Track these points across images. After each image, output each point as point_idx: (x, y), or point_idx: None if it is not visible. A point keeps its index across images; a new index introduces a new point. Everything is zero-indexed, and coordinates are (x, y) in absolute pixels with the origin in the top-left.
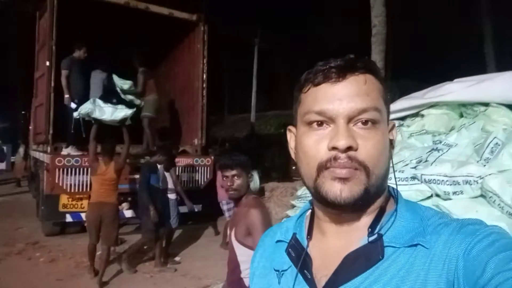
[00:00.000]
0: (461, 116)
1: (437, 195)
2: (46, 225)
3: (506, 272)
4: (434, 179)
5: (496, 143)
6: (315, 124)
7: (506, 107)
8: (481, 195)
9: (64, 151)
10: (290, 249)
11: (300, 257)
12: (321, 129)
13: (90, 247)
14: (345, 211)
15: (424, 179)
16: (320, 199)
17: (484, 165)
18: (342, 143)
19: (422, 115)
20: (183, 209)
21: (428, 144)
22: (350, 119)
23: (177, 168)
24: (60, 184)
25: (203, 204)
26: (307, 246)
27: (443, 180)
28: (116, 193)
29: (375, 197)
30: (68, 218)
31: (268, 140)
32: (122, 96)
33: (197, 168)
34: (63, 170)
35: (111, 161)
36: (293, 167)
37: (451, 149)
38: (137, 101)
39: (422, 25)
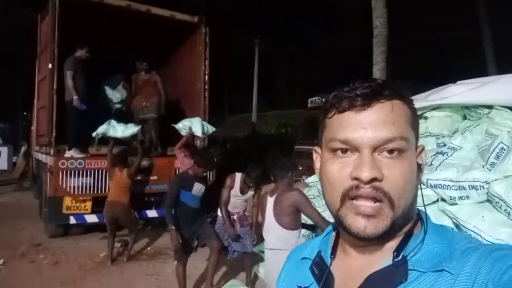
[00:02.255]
0: (465, 118)
1: (443, 200)
2: (50, 227)
3: None
4: (439, 184)
5: (502, 148)
6: (339, 152)
7: (510, 109)
8: (487, 200)
9: (67, 154)
10: (313, 267)
11: (323, 275)
12: (346, 157)
13: (108, 240)
14: (369, 242)
15: (430, 184)
16: (343, 228)
17: (490, 170)
18: (365, 174)
19: (426, 118)
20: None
21: (432, 147)
22: (375, 149)
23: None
24: (64, 186)
25: (206, 204)
26: (330, 264)
27: (448, 185)
28: (129, 195)
29: (401, 227)
30: (72, 220)
31: (269, 140)
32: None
33: None
34: (66, 173)
35: (124, 168)
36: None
37: (455, 152)
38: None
39: (423, 27)
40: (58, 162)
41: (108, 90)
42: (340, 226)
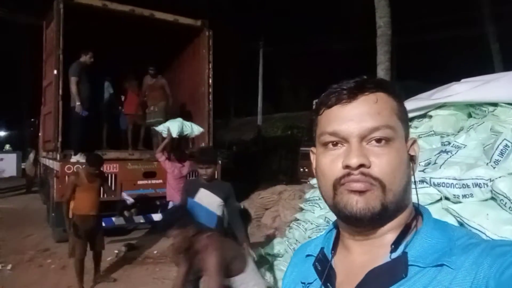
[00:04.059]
0: (469, 116)
1: (447, 198)
2: (57, 231)
3: None
4: (443, 182)
5: (506, 145)
6: (330, 145)
7: None
8: (491, 198)
9: (73, 158)
10: (316, 263)
11: (325, 271)
12: (336, 149)
13: (76, 264)
14: (364, 225)
15: (433, 182)
16: (339, 214)
17: (494, 168)
18: (354, 161)
19: (430, 116)
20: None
21: (436, 145)
22: (362, 138)
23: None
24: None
25: None
26: (332, 260)
27: (452, 183)
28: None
29: (395, 213)
30: None
31: (275, 143)
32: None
33: None
34: None
35: (97, 171)
36: (301, 169)
37: (459, 151)
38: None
39: (427, 25)
40: (64, 167)
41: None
42: (337, 214)
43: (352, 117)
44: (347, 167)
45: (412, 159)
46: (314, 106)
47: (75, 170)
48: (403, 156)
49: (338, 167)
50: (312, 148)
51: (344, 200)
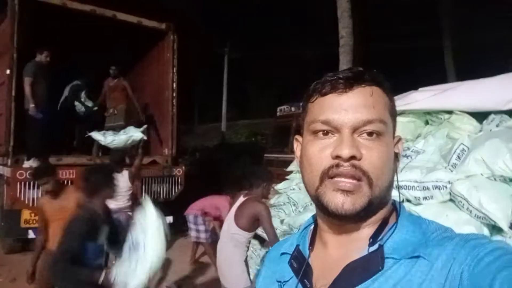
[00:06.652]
0: (427, 123)
1: (408, 201)
2: (6, 242)
3: None
4: (404, 185)
5: (463, 149)
6: (320, 133)
7: (469, 114)
8: (450, 200)
9: (26, 164)
10: (292, 261)
11: (301, 268)
12: (326, 138)
13: None
14: (346, 221)
15: (394, 185)
16: (321, 208)
17: (452, 171)
18: (345, 152)
19: None
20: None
21: None
22: (355, 130)
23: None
24: (22, 198)
25: (174, 215)
26: (309, 256)
27: (413, 186)
28: None
29: (378, 209)
30: (31, 235)
31: (239, 149)
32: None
33: (167, 178)
34: (25, 184)
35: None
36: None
37: (419, 155)
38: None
39: (388, 37)
40: (16, 173)
41: (74, 98)
42: (318, 207)
43: (347, 108)
44: (337, 157)
45: (396, 156)
46: (278, 113)
47: None
48: (391, 152)
49: (326, 156)
50: (297, 136)
51: (328, 197)
